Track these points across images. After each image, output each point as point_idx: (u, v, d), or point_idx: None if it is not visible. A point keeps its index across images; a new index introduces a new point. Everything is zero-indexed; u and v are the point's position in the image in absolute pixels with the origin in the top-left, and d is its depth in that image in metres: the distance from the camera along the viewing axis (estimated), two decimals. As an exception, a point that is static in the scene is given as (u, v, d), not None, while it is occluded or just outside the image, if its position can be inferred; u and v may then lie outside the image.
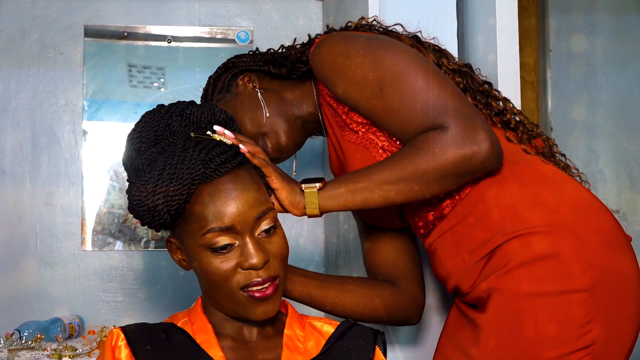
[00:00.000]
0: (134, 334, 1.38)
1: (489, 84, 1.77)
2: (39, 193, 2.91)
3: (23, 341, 2.44)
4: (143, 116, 1.45)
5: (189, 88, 3.01)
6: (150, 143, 1.40)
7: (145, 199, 1.34)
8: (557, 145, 1.78)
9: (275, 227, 1.39)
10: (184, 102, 1.49)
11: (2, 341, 2.43)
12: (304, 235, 3.03)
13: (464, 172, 1.52)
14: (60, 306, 2.83)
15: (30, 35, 2.94)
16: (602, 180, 3.24)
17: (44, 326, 2.56)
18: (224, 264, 1.33)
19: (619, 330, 1.52)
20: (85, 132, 2.95)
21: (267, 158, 1.52)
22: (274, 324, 1.48)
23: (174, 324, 1.43)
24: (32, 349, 2.40)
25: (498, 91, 1.79)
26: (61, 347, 2.41)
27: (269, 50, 1.90)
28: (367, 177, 1.55)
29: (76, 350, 2.38)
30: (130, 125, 1.46)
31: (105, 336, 2.52)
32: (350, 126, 1.69)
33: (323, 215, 1.61)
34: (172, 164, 1.32)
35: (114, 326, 1.47)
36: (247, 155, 1.44)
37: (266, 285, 1.35)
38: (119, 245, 2.95)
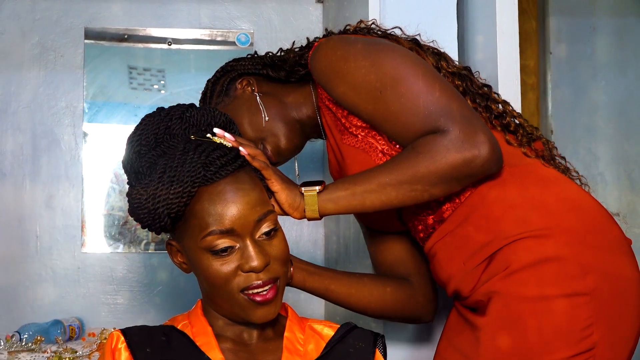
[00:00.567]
0: (134, 336, 1.38)
1: (489, 86, 1.77)
2: (39, 195, 2.91)
3: (23, 343, 2.44)
4: (143, 119, 1.45)
5: (190, 90, 3.00)
6: (150, 146, 1.40)
7: (146, 201, 1.34)
8: (557, 148, 1.78)
9: (276, 229, 1.39)
10: (184, 104, 1.49)
11: (2, 343, 2.43)
12: (304, 237, 3.03)
13: (464, 175, 1.52)
14: (61, 308, 2.83)
15: (31, 38, 2.94)
16: (602, 182, 3.24)
17: (44, 328, 2.56)
18: (224, 266, 1.33)
19: (620, 333, 1.51)
20: (85, 135, 2.95)
21: (267, 161, 1.52)
22: (274, 326, 1.48)
23: (174, 326, 1.43)
24: (32, 351, 2.40)
25: (497, 94, 1.78)
26: (61, 349, 2.41)
27: (267, 53, 1.89)
28: (366, 180, 1.55)
29: (76, 352, 2.38)
30: (131, 128, 1.46)
31: (105, 338, 2.52)
32: (350, 130, 1.69)
33: (323, 218, 1.61)
34: (173, 167, 1.32)
35: (114, 328, 1.47)
36: (247, 157, 1.44)
37: (267, 288, 1.35)
38: (119, 247, 2.95)
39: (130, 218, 1.41)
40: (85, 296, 2.90)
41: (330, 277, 1.72)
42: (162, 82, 3.04)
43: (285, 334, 1.45)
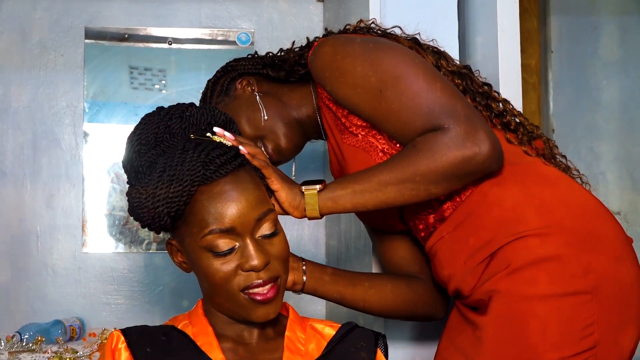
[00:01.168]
0: (134, 336, 1.38)
1: (489, 85, 1.77)
2: (40, 195, 2.91)
3: (24, 343, 2.44)
4: (143, 118, 1.45)
5: (190, 90, 3.00)
6: (150, 145, 1.40)
7: (146, 201, 1.33)
8: (557, 147, 1.78)
9: (276, 228, 1.39)
10: (184, 104, 1.48)
11: (2, 343, 2.43)
12: (305, 237, 3.03)
13: (465, 173, 1.52)
14: (61, 308, 2.83)
15: (31, 37, 2.94)
16: (604, 181, 3.24)
17: (45, 328, 2.56)
18: (225, 265, 1.33)
19: (621, 332, 1.51)
20: (86, 134, 2.95)
21: (267, 159, 1.52)
22: (275, 326, 1.47)
23: (174, 326, 1.43)
24: (32, 351, 2.40)
25: (498, 92, 1.78)
26: (62, 350, 2.41)
27: (267, 53, 1.89)
28: (367, 179, 1.55)
29: (77, 352, 2.38)
30: (131, 128, 1.45)
31: (106, 338, 2.52)
32: (350, 129, 1.68)
33: (324, 217, 1.61)
34: (172, 166, 1.32)
35: (115, 328, 1.47)
36: (247, 156, 1.43)
37: (267, 287, 1.35)
38: (120, 247, 2.95)
39: (131, 218, 1.41)
40: (86, 296, 2.90)
41: (344, 283, 1.71)
42: (163, 81, 3.04)
43: (286, 333, 1.45)
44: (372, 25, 1.82)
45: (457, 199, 1.61)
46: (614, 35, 3.31)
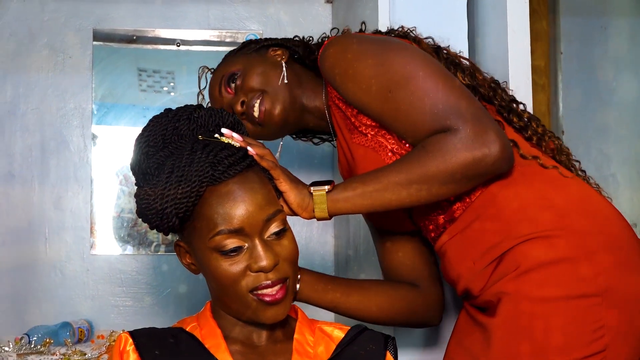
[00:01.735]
0: (142, 338, 1.38)
1: (516, 101, 1.77)
2: (48, 197, 2.91)
3: (32, 345, 2.44)
4: (151, 120, 1.45)
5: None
6: (158, 147, 1.40)
7: (154, 202, 1.33)
8: (568, 148, 1.77)
9: (285, 229, 1.38)
10: (192, 105, 1.49)
11: (11, 345, 2.43)
12: (314, 238, 3.02)
13: (474, 174, 1.51)
14: (69, 310, 2.84)
15: (39, 39, 2.95)
16: (614, 183, 3.23)
17: (53, 330, 2.56)
18: (233, 266, 1.33)
19: (632, 335, 1.50)
20: (94, 136, 2.96)
21: (276, 160, 1.52)
22: (284, 328, 1.47)
23: (182, 328, 1.43)
24: (41, 353, 2.40)
25: (523, 104, 1.78)
26: (70, 352, 2.41)
27: (303, 37, 1.93)
28: (376, 179, 1.54)
29: (85, 354, 2.38)
30: (140, 130, 1.45)
31: (114, 341, 2.52)
32: (359, 129, 1.68)
33: (333, 218, 1.60)
34: (180, 167, 1.32)
35: (123, 330, 1.46)
36: (256, 157, 1.43)
37: (276, 288, 1.34)
38: (128, 249, 2.95)
39: (140, 220, 1.41)
40: (94, 298, 2.91)
41: (339, 292, 1.71)
42: (172, 83, 3.04)
43: (295, 336, 1.44)
44: (393, 28, 1.83)
45: (467, 200, 1.61)
46: (623, 36, 3.31)
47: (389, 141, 1.65)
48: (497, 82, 1.78)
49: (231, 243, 1.32)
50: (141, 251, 2.95)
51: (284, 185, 1.50)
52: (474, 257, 1.58)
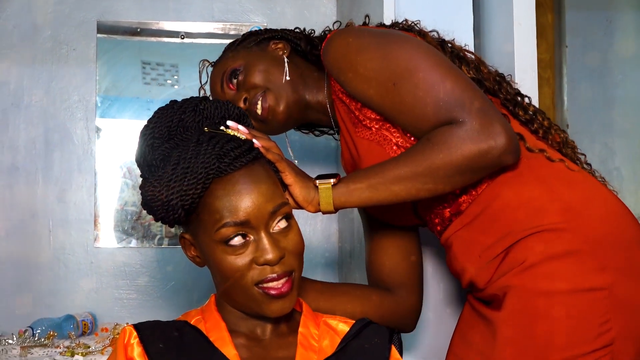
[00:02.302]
0: (146, 331, 1.37)
1: (521, 95, 1.76)
2: (52, 190, 2.91)
3: (36, 338, 2.44)
4: (156, 112, 1.44)
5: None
6: (163, 138, 1.39)
7: (159, 194, 1.33)
8: (574, 141, 1.76)
9: (290, 222, 1.38)
10: (197, 97, 1.48)
11: (15, 338, 2.43)
12: (318, 232, 3.01)
13: (480, 167, 1.50)
14: (73, 303, 2.83)
15: (43, 32, 2.94)
16: (618, 177, 3.22)
17: (57, 323, 2.56)
18: (239, 259, 1.32)
19: (638, 329, 1.49)
20: (98, 129, 2.95)
21: (282, 153, 1.51)
22: (289, 322, 1.46)
23: (187, 321, 1.42)
24: (45, 346, 2.40)
25: (528, 97, 1.77)
26: (74, 345, 2.41)
27: (304, 29, 1.92)
28: (381, 173, 1.54)
29: (89, 347, 2.38)
30: (144, 123, 1.45)
31: (118, 334, 2.52)
32: (364, 122, 1.67)
33: (337, 212, 1.60)
34: (186, 159, 1.31)
35: (127, 323, 1.46)
36: (262, 150, 1.43)
37: (282, 281, 1.34)
38: (132, 242, 2.95)
39: (144, 213, 1.41)
40: (98, 291, 2.90)
41: (309, 297, 1.70)
42: (176, 76, 3.04)
43: (300, 329, 1.44)
44: (399, 22, 1.82)
45: (473, 193, 1.60)
46: (629, 30, 3.30)
47: (394, 134, 1.64)
48: (502, 76, 1.77)
49: (237, 235, 1.32)
50: (145, 244, 2.95)
51: (289, 178, 1.49)
52: (480, 250, 1.58)
